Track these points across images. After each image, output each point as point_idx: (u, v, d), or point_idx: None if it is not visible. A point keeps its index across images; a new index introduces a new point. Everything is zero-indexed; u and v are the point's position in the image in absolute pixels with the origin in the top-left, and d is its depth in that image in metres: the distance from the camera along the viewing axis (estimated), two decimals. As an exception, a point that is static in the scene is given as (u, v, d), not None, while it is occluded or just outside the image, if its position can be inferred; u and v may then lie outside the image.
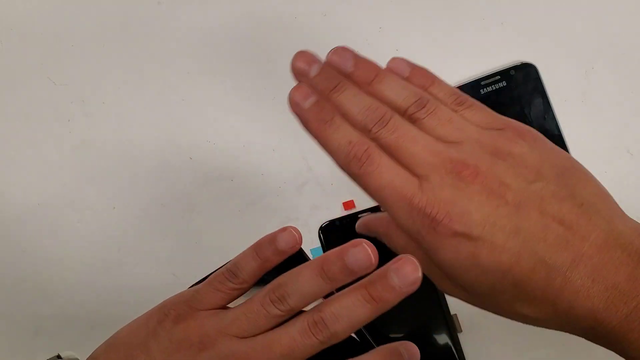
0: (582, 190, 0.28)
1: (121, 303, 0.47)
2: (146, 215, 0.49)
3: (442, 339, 0.44)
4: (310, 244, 0.48)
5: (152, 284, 0.47)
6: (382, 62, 0.51)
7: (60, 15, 0.52)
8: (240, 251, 0.39)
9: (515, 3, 0.51)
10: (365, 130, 0.29)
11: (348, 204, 0.48)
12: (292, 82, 0.52)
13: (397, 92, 0.30)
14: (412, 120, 0.29)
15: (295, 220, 0.48)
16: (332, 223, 0.47)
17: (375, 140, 0.29)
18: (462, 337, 0.44)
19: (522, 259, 0.26)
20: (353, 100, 0.30)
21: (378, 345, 0.29)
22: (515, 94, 0.49)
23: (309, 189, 0.49)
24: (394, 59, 0.32)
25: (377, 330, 0.45)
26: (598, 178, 0.50)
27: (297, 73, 0.32)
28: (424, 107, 0.29)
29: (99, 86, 0.51)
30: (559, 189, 0.27)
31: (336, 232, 0.47)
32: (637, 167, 0.50)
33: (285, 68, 0.53)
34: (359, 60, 0.32)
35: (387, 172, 0.28)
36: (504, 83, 0.49)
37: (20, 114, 0.51)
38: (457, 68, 0.50)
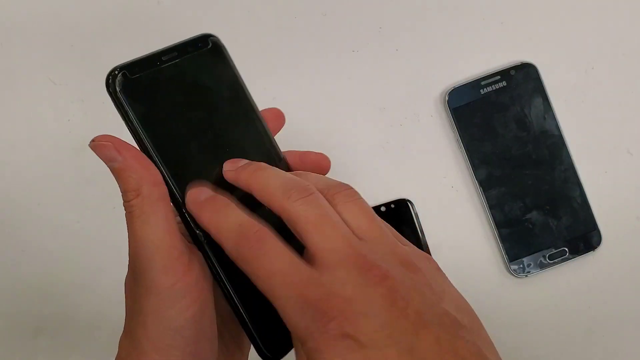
0: (478, 333, 0.26)
1: (121, 303, 0.46)
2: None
3: None
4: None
5: (152, 284, 0.47)
6: (382, 63, 0.51)
7: (60, 15, 0.52)
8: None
9: (515, 3, 0.51)
10: (283, 200, 0.26)
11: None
12: (292, 82, 0.52)
13: (312, 178, 0.29)
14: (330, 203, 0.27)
15: (295, 220, 0.48)
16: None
17: (288, 213, 0.26)
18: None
19: None
20: (272, 174, 0.28)
21: None
22: (516, 93, 0.49)
23: (309, 189, 0.49)
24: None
25: None
26: (598, 178, 0.50)
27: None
28: (343, 192, 0.27)
29: (98, 86, 0.51)
30: (457, 322, 0.25)
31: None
32: (637, 167, 0.50)
33: (285, 68, 0.53)
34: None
35: (281, 256, 0.25)
36: (504, 83, 0.49)
37: (20, 113, 0.51)
38: (457, 68, 0.50)
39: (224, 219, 0.27)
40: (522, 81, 0.49)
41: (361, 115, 0.50)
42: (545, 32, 0.51)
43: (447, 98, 0.49)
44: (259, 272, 0.25)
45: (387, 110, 0.50)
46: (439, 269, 0.28)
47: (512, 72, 0.49)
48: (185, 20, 0.52)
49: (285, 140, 0.50)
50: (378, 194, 0.48)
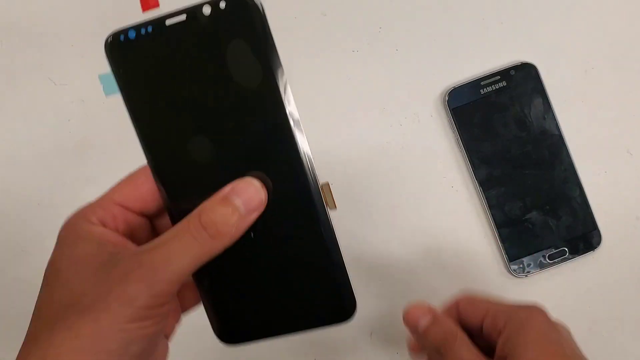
0: None
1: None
2: (146, 215, 0.49)
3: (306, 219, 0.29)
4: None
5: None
6: (382, 63, 0.51)
7: (60, 14, 0.52)
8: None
9: (515, 3, 0.51)
10: None
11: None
12: (292, 82, 0.52)
13: None
14: None
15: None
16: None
17: None
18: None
19: None
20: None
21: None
22: (515, 93, 0.49)
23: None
24: None
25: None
26: (598, 178, 0.50)
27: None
28: None
29: (98, 86, 0.51)
30: None
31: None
32: (636, 167, 0.50)
33: (285, 68, 0.53)
34: None
35: None
36: (504, 83, 0.49)
37: (20, 113, 0.51)
38: (457, 68, 0.50)
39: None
40: (522, 81, 0.49)
41: (361, 115, 0.50)
42: (545, 32, 0.51)
43: (447, 98, 0.49)
44: None
45: (387, 110, 0.50)
46: None
47: (512, 72, 0.49)
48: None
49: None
50: (378, 194, 0.48)
